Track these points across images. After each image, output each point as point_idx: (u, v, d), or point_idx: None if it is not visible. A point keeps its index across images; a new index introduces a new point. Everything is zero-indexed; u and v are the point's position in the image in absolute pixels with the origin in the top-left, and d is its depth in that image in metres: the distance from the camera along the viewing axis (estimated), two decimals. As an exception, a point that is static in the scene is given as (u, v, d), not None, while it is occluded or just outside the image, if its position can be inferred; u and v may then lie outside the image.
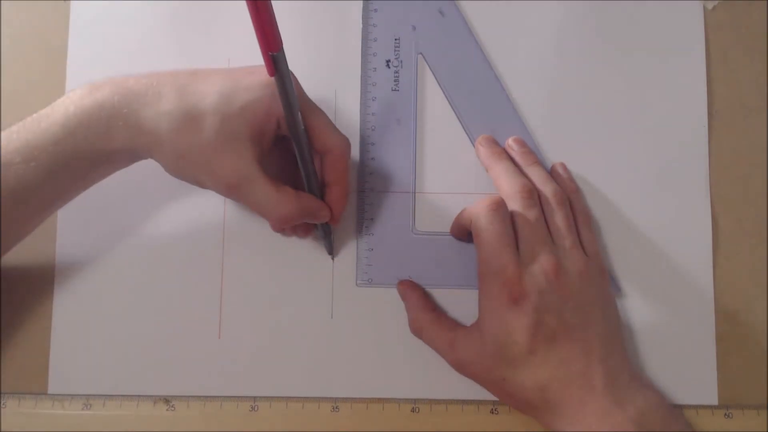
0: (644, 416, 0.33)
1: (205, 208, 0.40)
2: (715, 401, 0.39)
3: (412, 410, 0.39)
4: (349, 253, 0.40)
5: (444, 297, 0.40)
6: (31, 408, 0.39)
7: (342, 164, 0.36)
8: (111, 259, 0.40)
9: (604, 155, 0.41)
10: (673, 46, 0.41)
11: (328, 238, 0.39)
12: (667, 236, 0.40)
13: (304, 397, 0.39)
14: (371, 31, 0.41)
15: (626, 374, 0.35)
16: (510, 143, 0.40)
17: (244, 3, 0.26)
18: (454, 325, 0.38)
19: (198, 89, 0.33)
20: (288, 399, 0.39)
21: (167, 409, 0.39)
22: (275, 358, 0.39)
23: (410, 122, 0.41)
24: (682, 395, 0.38)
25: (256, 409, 0.39)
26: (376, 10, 0.42)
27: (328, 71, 0.41)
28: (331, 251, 0.40)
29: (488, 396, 0.37)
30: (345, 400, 0.39)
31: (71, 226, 0.40)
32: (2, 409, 0.38)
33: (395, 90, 0.41)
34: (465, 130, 0.41)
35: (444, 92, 0.41)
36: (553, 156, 0.41)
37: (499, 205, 0.35)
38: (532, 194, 0.37)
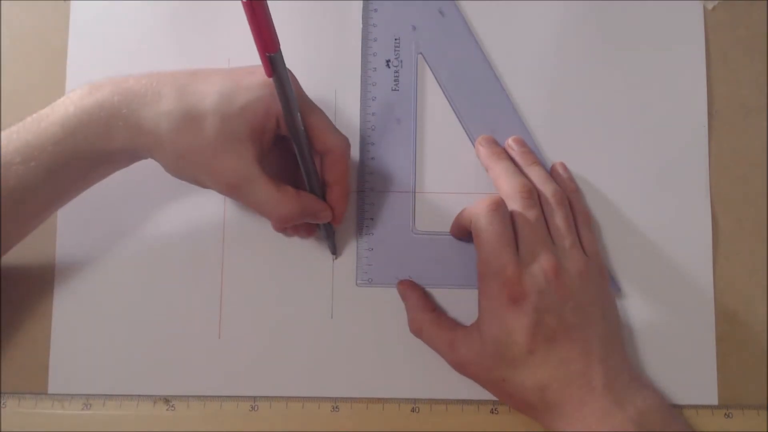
0: (644, 416, 0.33)
1: (205, 208, 0.40)
2: (715, 401, 0.39)
3: (412, 410, 0.39)
4: (349, 253, 0.40)
5: (444, 297, 0.40)
6: (31, 408, 0.39)
7: (342, 164, 0.36)
8: (111, 259, 0.40)
9: (604, 155, 0.41)
10: (673, 46, 0.41)
11: (331, 239, 0.39)
12: (667, 236, 0.40)
13: (304, 397, 0.39)
14: (371, 31, 0.41)
15: (626, 374, 0.35)
16: (510, 143, 0.40)
17: (243, 3, 0.26)
18: (454, 325, 0.38)
19: (198, 89, 0.33)
20: (288, 399, 0.39)
21: (167, 409, 0.39)
22: (275, 358, 0.39)
23: (410, 122, 0.41)
24: (682, 395, 0.38)
25: (256, 409, 0.39)
26: (376, 10, 0.42)
27: (328, 71, 0.41)
28: (335, 251, 0.40)
29: (488, 396, 0.37)
30: (345, 400, 0.39)
31: (71, 226, 0.40)
32: (2, 409, 0.38)
33: (395, 90, 0.41)
34: (465, 130, 0.41)
35: (444, 92, 0.41)
36: (553, 156, 0.41)
37: (499, 205, 0.35)
38: (532, 194, 0.37)
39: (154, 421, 0.38)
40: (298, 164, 0.35)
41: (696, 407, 0.39)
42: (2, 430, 0.38)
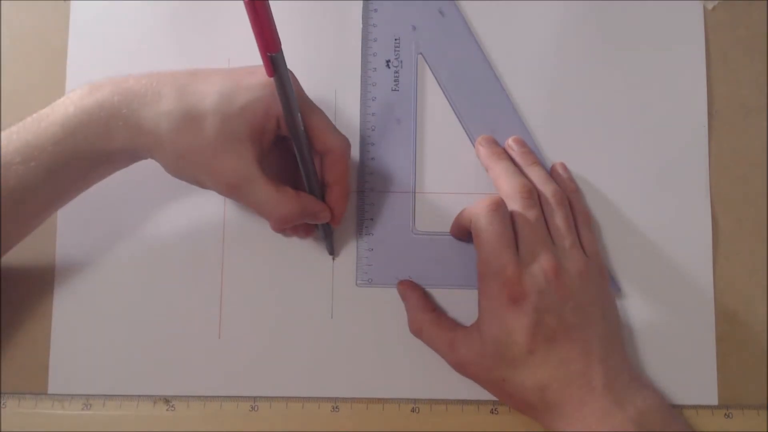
0: (644, 416, 0.33)
1: (205, 208, 0.40)
2: (715, 401, 0.39)
3: (412, 410, 0.39)
4: (349, 253, 0.40)
5: (444, 297, 0.40)
6: (31, 408, 0.39)
7: (342, 165, 0.36)
8: (111, 259, 0.40)
9: (604, 155, 0.41)
10: (673, 46, 0.41)
11: (329, 239, 0.39)
12: (667, 236, 0.40)
13: (304, 397, 0.39)
14: (371, 31, 0.41)
15: (626, 374, 0.35)
16: (510, 143, 0.40)
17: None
18: (454, 325, 0.38)
19: (198, 89, 0.33)
20: (288, 399, 0.39)
21: (167, 409, 0.39)
22: (275, 358, 0.39)
23: (410, 122, 0.41)
24: (682, 395, 0.38)
25: (256, 409, 0.39)
26: (376, 10, 0.42)
27: (328, 71, 0.41)
28: (333, 251, 0.40)
29: (488, 396, 0.37)
30: (345, 400, 0.39)
31: (71, 226, 0.40)
32: (2, 409, 0.38)
33: (395, 90, 0.41)
34: (465, 130, 0.41)
35: (444, 92, 0.41)
36: (553, 156, 0.41)
37: (499, 206, 0.35)
38: (532, 194, 0.37)
39: (154, 421, 0.38)
40: (297, 164, 0.35)
41: (696, 407, 0.39)
42: (2, 430, 0.38)
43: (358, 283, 0.40)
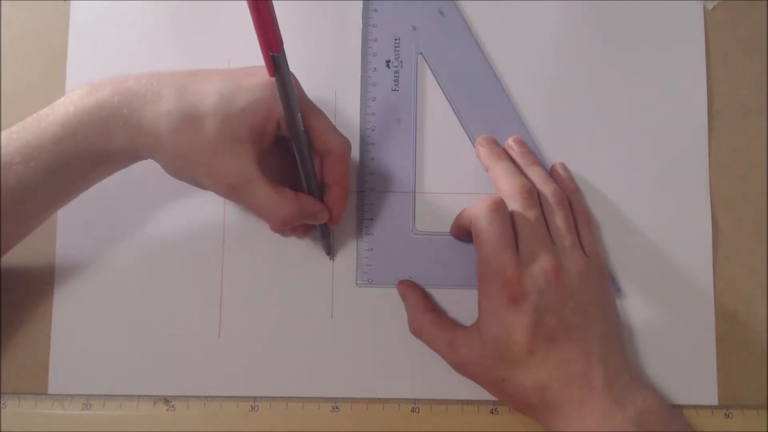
0: (644, 416, 0.33)
1: (205, 209, 0.40)
2: (715, 401, 0.39)
3: (412, 410, 0.39)
4: (349, 253, 0.40)
5: (444, 297, 0.40)
6: (31, 408, 0.39)
7: (342, 165, 0.36)
8: (111, 259, 0.40)
9: (604, 155, 0.41)
10: (673, 46, 0.41)
11: (327, 239, 0.39)
12: (667, 236, 0.40)
13: (304, 397, 0.39)
14: (371, 31, 0.41)
15: (626, 374, 0.35)
16: (510, 143, 0.40)
17: (245, 3, 0.26)
18: (454, 325, 0.38)
19: (198, 89, 0.33)
20: (288, 399, 0.39)
21: (167, 409, 0.39)
22: (275, 358, 0.39)
23: (410, 122, 0.41)
24: (682, 395, 0.38)
25: (256, 409, 0.39)
26: (376, 10, 0.42)
27: (328, 71, 0.41)
28: (330, 252, 0.40)
29: (488, 396, 0.37)
30: (345, 400, 0.39)
31: (71, 226, 0.40)
32: (2, 409, 0.38)
33: (395, 90, 0.41)
34: (465, 130, 0.41)
35: (444, 92, 0.41)
36: (553, 156, 0.41)
37: (499, 206, 0.35)
38: (532, 194, 0.37)
39: (154, 421, 0.38)
40: (297, 165, 0.35)
41: (696, 407, 0.39)
42: (2, 430, 0.38)
43: (358, 283, 0.40)
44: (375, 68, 0.41)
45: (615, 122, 0.41)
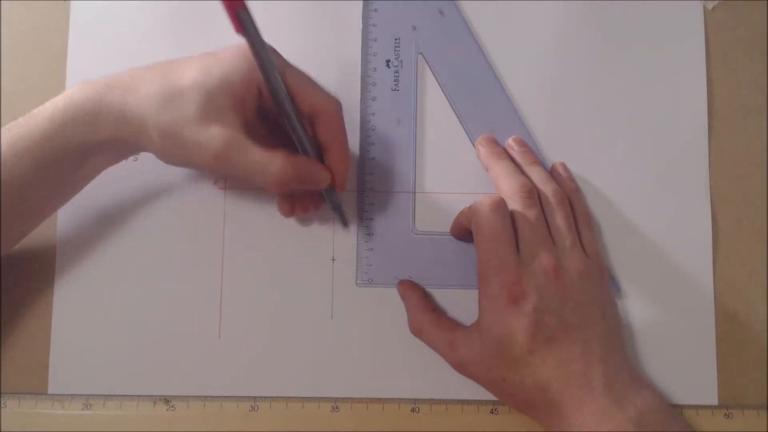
0: (644, 416, 0.33)
1: (205, 208, 0.40)
2: (715, 401, 0.39)
3: (412, 410, 0.39)
4: (349, 253, 0.40)
5: (444, 297, 0.40)
6: (31, 408, 0.39)
7: (335, 125, 0.35)
8: (111, 258, 0.40)
9: (604, 155, 0.41)
10: (673, 46, 0.41)
11: (338, 209, 0.38)
12: (667, 236, 0.40)
13: (304, 397, 0.39)
14: (371, 31, 0.41)
15: (626, 374, 0.35)
16: (510, 143, 0.40)
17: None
18: (454, 325, 0.38)
19: (178, 70, 0.33)
20: (288, 399, 0.39)
21: (167, 409, 0.39)
22: (275, 358, 0.39)
23: (410, 122, 0.41)
24: (682, 395, 0.38)
25: (256, 409, 0.39)
26: (376, 10, 0.42)
27: (328, 71, 0.41)
28: (345, 222, 0.39)
29: (488, 396, 0.37)
30: (345, 400, 0.39)
31: (71, 226, 0.40)
32: (2, 409, 0.38)
33: (395, 90, 0.41)
34: (465, 130, 0.41)
35: (444, 92, 0.41)
36: (553, 156, 0.41)
37: (499, 205, 0.35)
38: (532, 194, 0.37)
39: (154, 421, 0.38)
40: (292, 143, 0.34)
41: (696, 407, 0.39)
42: (2, 430, 0.38)
43: (358, 283, 0.40)
44: (375, 68, 0.41)
45: (615, 122, 0.41)
